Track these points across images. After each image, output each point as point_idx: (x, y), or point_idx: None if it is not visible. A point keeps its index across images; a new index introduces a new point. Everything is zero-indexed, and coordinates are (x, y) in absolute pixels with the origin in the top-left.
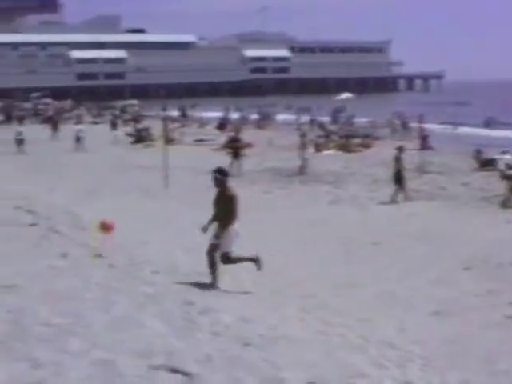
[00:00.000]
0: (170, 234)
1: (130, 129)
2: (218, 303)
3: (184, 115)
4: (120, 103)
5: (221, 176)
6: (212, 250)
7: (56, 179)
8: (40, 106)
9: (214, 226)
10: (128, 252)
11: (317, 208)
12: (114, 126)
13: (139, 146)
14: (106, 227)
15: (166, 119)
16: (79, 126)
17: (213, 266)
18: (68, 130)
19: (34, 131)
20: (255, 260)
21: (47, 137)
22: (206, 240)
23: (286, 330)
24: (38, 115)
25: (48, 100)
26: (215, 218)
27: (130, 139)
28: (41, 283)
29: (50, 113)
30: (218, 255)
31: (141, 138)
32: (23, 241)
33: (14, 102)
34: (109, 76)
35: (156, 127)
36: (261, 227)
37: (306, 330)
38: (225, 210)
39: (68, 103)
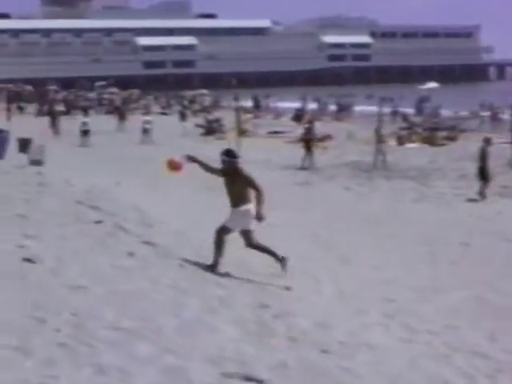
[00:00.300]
0: None
1: (200, 120)
2: (294, 306)
3: (257, 106)
4: (189, 93)
5: (229, 158)
6: (221, 230)
7: (122, 173)
8: (105, 96)
9: (230, 210)
10: (198, 251)
11: (399, 205)
12: (183, 116)
13: (210, 138)
14: (173, 166)
15: (239, 110)
16: (146, 117)
17: (218, 246)
18: (135, 121)
19: (99, 122)
20: (280, 259)
21: (113, 128)
22: (279, 240)
23: (367, 336)
24: (102, 105)
25: (113, 89)
26: (232, 201)
27: (200, 131)
28: (107, 284)
29: (117, 103)
30: (242, 237)
31: (212, 129)
32: (88, 239)
33: (77, 92)
34: (177, 64)
35: (228, 118)
36: (339, 226)
37: (388, 337)
38: (241, 191)
39: (134, 93)
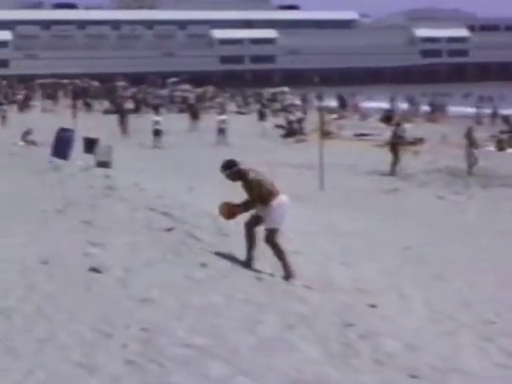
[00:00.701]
0: (326, 243)
1: (280, 120)
2: (380, 326)
3: (342, 105)
4: (269, 90)
5: (230, 171)
6: (250, 221)
7: (195, 176)
8: (177, 93)
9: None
10: (276, 263)
11: (497, 216)
12: (261, 116)
13: (290, 140)
14: (228, 211)
15: (322, 110)
16: (222, 117)
17: (248, 240)
18: (209, 120)
19: (171, 121)
20: (288, 272)
21: (185, 128)
22: (363, 252)
23: (461, 360)
24: (174, 103)
25: (187, 86)
26: (261, 203)
27: (280, 132)
28: (178, 297)
29: (191, 101)
30: (263, 232)
31: (293, 130)
32: (158, 248)
33: (147, 89)
34: (256, 59)
35: (310, 119)
36: (430, 237)
37: (484, 362)
38: (258, 195)
39: (209, 90)
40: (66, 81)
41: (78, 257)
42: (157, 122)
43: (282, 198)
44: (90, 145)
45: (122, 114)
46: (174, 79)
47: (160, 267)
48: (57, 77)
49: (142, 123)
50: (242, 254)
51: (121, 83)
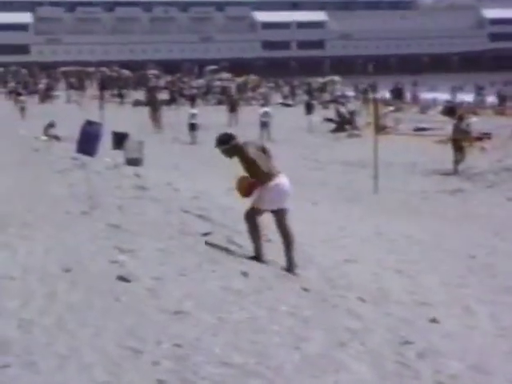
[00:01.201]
0: (381, 251)
1: (330, 113)
2: (442, 344)
3: (400, 96)
4: (318, 80)
5: (226, 146)
6: (251, 212)
7: (233, 176)
8: (216, 83)
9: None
10: (325, 272)
11: None
12: (309, 108)
13: (341, 135)
14: (249, 186)
15: (377, 101)
16: (265, 109)
17: (252, 233)
18: (250, 113)
19: (209, 114)
20: (290, 266)
21: (224, 121)
22: (422, 260)
23: None
24: (213, 94)
25: (226, 75)
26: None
27: (330, 126)
28: (215, 310)
29: (231, 92)
30: (274, 218)
31: (344, 124)
32: (193, 254)
33: (183, 78)
34: (303, 45)
35: (363, 111)
36: (501, 246)
37: None
38: (257, 169)
39: (251, 79)
40: (91, 69)
41: (104, 264)
42: (193, 115)
43: (280, 180)
44: (119, 140)
45: (154, 105)
46: (211, 67)
47: (195, 276)
48: (81, 64)
49: (177, 116)
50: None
51: (153, 71)
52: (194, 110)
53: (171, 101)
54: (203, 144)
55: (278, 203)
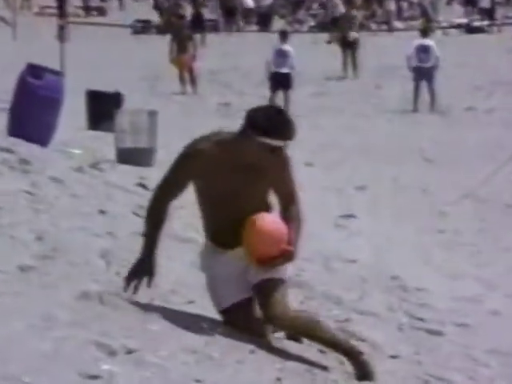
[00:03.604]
0: None
1: None
2: None
3: None
4: None
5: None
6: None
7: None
8: None
9: None
10: (417, 311)
11: None
12: None
13: None
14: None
15: None
16: (426, 41)
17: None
18: (380, 48)
19: (304, 52)
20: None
21: (336, 68)
22: None
23: None
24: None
25: None
26: None
27: None
28: None
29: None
30: None
31: None
32: None
33: None
34: None
35: None
36: None
37: None
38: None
39: None
40: None
41: None
42: (281, 55)
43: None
44: (103, 110)
45: (179, 33)
46: None
47: None
48: None
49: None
50: None
51: None
52: (286, 46)
53: (221, 25)
54: (302, 116)
55: None
